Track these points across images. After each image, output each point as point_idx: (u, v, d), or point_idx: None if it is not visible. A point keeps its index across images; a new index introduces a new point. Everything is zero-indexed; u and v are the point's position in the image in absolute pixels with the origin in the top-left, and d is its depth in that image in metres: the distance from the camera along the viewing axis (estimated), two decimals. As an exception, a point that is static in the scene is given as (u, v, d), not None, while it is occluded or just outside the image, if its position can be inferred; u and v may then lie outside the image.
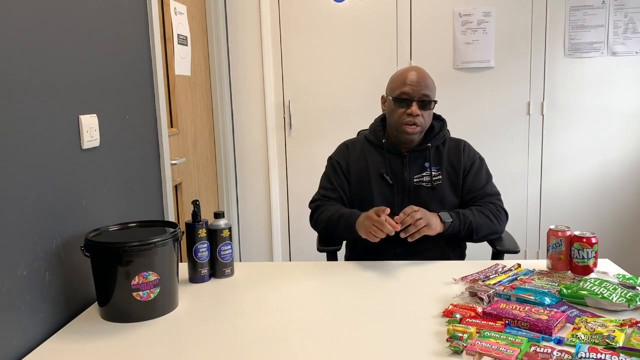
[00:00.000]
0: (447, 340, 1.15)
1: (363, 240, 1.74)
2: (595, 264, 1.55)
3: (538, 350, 1.09)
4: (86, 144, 1.51)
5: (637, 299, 1.31)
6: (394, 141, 1.94)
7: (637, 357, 1.06)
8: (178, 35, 2.52)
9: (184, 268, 1.62)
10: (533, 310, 1.25)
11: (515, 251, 1.82)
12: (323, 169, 2.03)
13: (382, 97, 1.97)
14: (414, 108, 1.82)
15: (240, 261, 2.92)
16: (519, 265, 1.63)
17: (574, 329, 1.20)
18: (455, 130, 2.22)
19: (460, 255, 1.97)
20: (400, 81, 1.87)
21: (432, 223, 1.72)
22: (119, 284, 1.33)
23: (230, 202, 3.32)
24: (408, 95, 1.83)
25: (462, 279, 1.53)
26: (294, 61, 3.24)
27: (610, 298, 1.31)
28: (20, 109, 1.24)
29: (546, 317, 1.21)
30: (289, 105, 3.27)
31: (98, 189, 1.59)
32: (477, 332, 1.17)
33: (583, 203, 3.28)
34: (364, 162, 1.94)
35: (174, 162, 2.30)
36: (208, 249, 1.60)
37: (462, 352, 1.12)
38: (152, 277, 1.35)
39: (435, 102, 1.88)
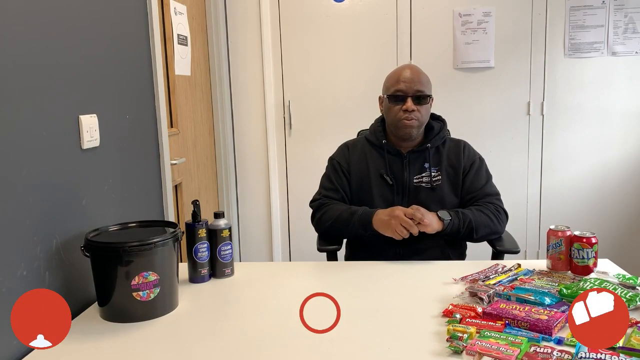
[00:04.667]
0: (447, 340, 1.15)
1: (371, 237, 1.78)
2: (595, 264, 1.55)
3: (538, 350, 1.09)
4: (86, 144, 1.51)
5: (637, 299, 1.31)
6: (394, 141, 1.94)
7: (637, 357, 1.06)
8: (178, 35, 2.52)
9: (184, 268, 1.62)
10: (533, 310, 1.25)
11: (515, 251, 1.82)
12: (323, 169, 2.03)
13: (380, 97, 1.98)
14: (409, 104, 1.83)
15: (240, 261, 2.92)
16: (519, 265, 1.63)
17: (574, 329, 1.20)
18: (455, 130, 2.23)
19: (461, 255, 1.97)
20: (394, 79, 1.88)
21: (427, 221, 1.72)
22: (119, 284, 1.33)
23: (230, 202, 3.32)
24: (402, 91, 1.85)
25: (462, 279, 1.53)
26: (294, 61, 3.24)
27: (610, 298, 1.31)
28: (21, 109, 1.24)
29: (546, 317, 1.21)
30: (289, 105, 3.27)
31: (98, 189, 1.59)
32: (477, 332, 1.17)
33: (583, 203, 3.28)
34: (365, 163, 1.94)
35: (174, 162, 2.30)
36: (208, 249, 1.60)
37: (462, 352, 1.12)
38: (152, 277, 1.35)
39: (431, 97, 1.89)
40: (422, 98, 1.86)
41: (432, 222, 1.74)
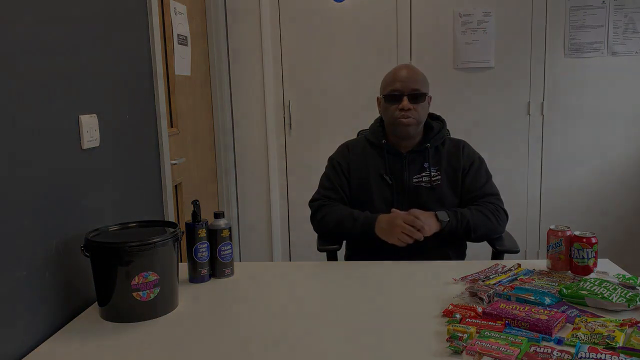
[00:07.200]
0: (447, 340, 1.15)
1: (371, 241, 1.79)
2: (595, 264, 1.55)
3: (538, 350, 1.09)
4: (86, 144, 1.51)
5: (637, 299, 1.31)
6: (394, 141, 1.94)
7: (637, 357, 1.06)
8: (178, 35, 2.52)
9: (184, 268, 1.62)
10: (533, 310, 1.25)
11: (515, 251, 1.82)
12: (323, 169, 2.03)
13: (378, 98, 1.98)
14: (405, 102, 1.84)
15: (240, 261, 2.92)
16: (519, 265, 1.63)
17: (574, 329, 1.20)
18: (455, 130, 2.23)
19: (461, 255, 1.97)
20: (390, 79, 1.90)
21: (425, 225, 1.74)
22: (119, 284, 1.33)
23: (230, 202, 3.32)
24: (398, 91, 1.85)
25: (462, 279, 1.53)
26: (294, 61, 3.24)
27: (610, 298, 1.31)
28: (21, 109, 1.24)
29: (546, 317, 1.21)
30: (289, 105, 3.27)
31: (98, 189, 1.59)
32: (477, 332, 1.17)
33: (583, 203, 3.28)
34: (364, 163, 1.94)
35: (174, 162, 2.30)
36: (208, 249, 1.60)
37: (462, 352, 1.12)
38: (152, 277, 1.35)
39: (428, 95, 1.89)
40: (418, 96, 1.86)
41: (431, 226, 1.76)
